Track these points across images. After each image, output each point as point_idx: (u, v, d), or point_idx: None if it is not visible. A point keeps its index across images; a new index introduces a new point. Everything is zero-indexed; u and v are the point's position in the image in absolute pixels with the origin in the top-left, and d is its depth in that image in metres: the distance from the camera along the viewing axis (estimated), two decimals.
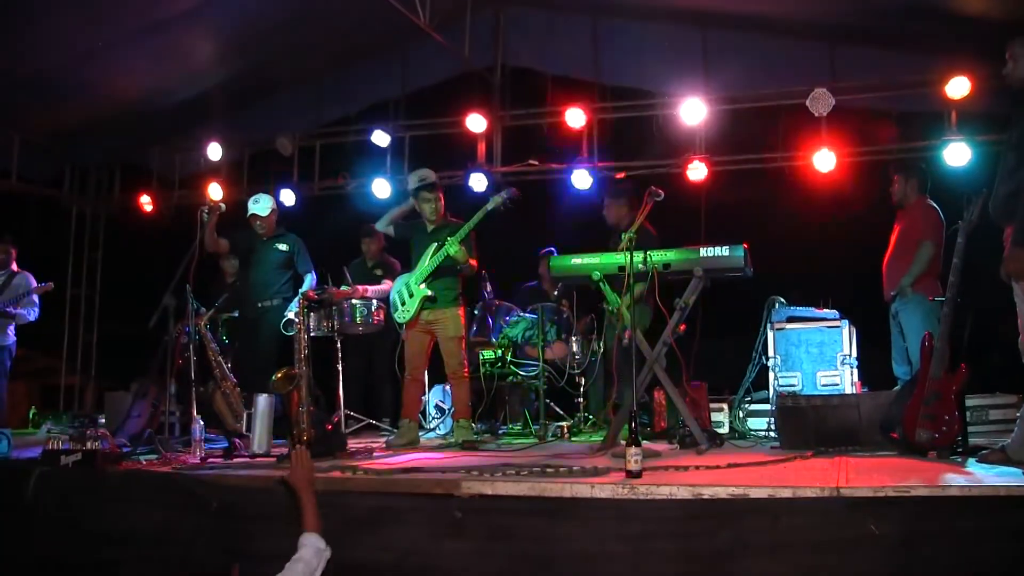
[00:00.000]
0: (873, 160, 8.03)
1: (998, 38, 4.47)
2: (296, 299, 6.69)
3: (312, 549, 3.37)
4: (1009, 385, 6.35)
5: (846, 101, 7.89)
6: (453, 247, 6.12)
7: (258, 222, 6.97)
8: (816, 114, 7.88)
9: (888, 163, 7.27)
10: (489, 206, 6.28)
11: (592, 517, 3.69)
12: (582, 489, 3.73)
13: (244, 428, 5.91)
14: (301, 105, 9.99)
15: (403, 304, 6.36)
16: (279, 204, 9.39)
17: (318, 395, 6.39)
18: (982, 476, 3.79)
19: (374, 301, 7.38)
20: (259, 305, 6.84)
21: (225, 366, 6.30)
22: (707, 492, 3.57)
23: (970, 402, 5.85)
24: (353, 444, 6.16)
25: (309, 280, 6.96)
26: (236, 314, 7.51)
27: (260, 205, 7.01)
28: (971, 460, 4.39)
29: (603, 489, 3.71)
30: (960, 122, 7.83)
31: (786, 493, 3.49)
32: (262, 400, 5.60)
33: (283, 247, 7.02)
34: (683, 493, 3.60)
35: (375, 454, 5.63)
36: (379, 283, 7.58)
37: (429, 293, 6.27)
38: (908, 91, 7.97)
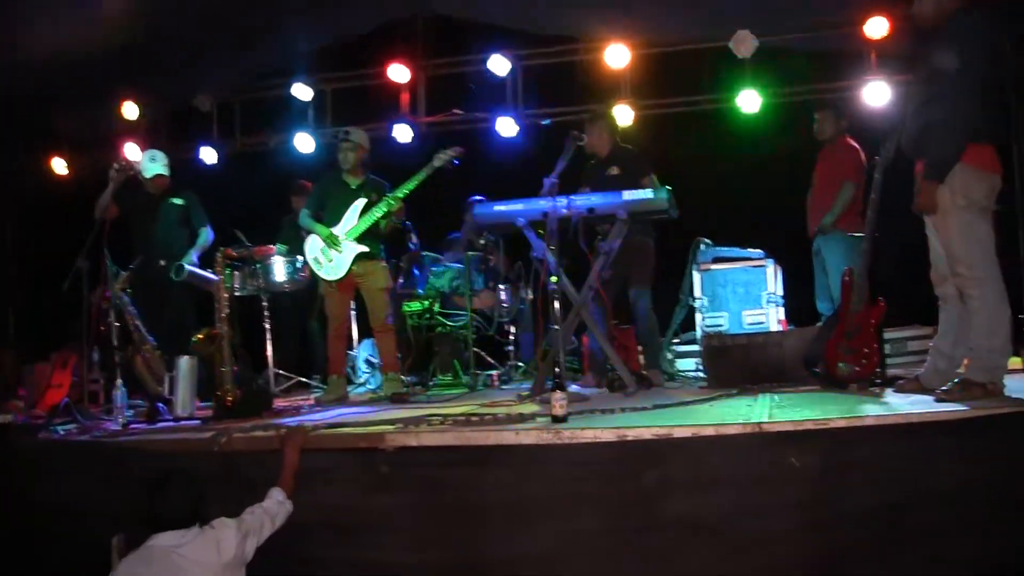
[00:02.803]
0: (796, 100, 8.06)
1: None
2: (193, 250, 6.58)
3: (275, 500, 3.54)
4: (925, 317, 6.49)
5: (769, 42, 7.89)
6: (395, 204, 6.05)
7: (158, 181, 6.69)
8: (740, 56, 7.89)
9: (811, 101, 7.32)
10: (436, 163, 6.18)
11: (518, 464, 3.68)
12: (507, 436, 3.71)
13: (167, 391, 5.78)
14: (219, 60, 9.62)
15: (330, 261, 6.21)
16: (200, 162, 9.22)
17: (243, 354, 6.26)
18: (897, 405, 3.87)
19: (299, 257, 7.25)
20: (161, 263, 6.52)
21: (143, 329, 6.13)
22: (631, 434, 3.57)
23: (889, 335, 5.96)
24: (281, 403, 6.08)
25: (205, 234, 6.74)
26: None
27: (159, 164, 6.74)
28: (889, 391, 4.47)
29: (528, 435, 3.70)
30: (879, 61, 7.91)
31: (709, 432, 3.51)
32: (184, 362, 5.46)
33: (179, 201, 6.75)
34: (607, 436, 3.60)
35: (302, 411, 5.55)
36: None
37: (365, 249, 6.16)
38: (829, 31, 8.00)
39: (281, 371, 7.36)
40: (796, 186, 6.73)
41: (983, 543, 3.28)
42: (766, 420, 3.54)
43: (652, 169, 5.99)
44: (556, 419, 3.91)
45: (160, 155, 6.80)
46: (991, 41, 3.96)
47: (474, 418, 4.09)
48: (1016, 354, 4.76)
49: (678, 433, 3.54)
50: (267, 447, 3.97)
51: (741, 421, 3.57)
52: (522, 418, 4.08)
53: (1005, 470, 3.33)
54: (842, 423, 3.45)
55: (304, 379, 7.57)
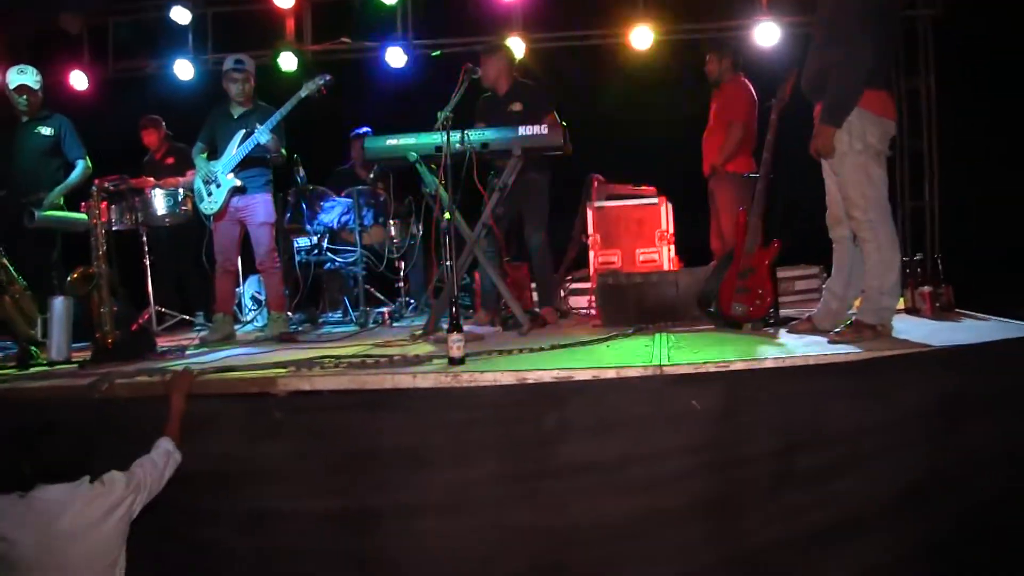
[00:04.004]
0: (689, 38, 8.07)
1: None
2: (59, 189, 6.18)
3: (163, 450, 3.34)
4: (812, 256, 6.66)
5: None
6: (264, 135, 5.74)
7: (24, 96, 6.21)
8: None
9: (704, 41, 7.33)
10: (303, 92, 5.86)
11: (416, 407, 3.58)
12: (404, 379, 3.60)
13: (40, 335, 5.43)
14: None
15: (209, 195, 5.94)
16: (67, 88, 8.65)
17: (122, 293, 5.93)
18: (793, 346, 3.91)
19: (180, 190, 6.92)
20: (23, 200, 6.08)
21: (11, 268, 5.72)
22: (531, 377, 3.51)
23: (778, 274, 6.06)
24: (164, 342, 5.81)
25: (81, 167, 6.33)
26: None
27: (29, 76, 6.25)
28: (782, 331, 4.54)
29: (426, 378, 3.60)
30: (770, 2, 7.97)
31: (610, 374, 3.48)
32: (58, 303, 5.12)
33: (47, 131, 6.29)
34: (507, 379, 3.53)
35: (187, 352, 5.31)
36: (174, 173, 7.14)
37: (237, 183, 5.88)
38: None
39: (163, 309, 7.06)
40: (692, 124, 6.75)
41: (872, 481, 3.37)
42: (667, 363, 3.52)
43: (554, 106, 5.86)
44: (453, 361, 3.82)
45: (31, 69, 6.31)
46: None
47: (369, 360, 3.96)
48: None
49: (579, 376, 3.50)
50: (151, 393, 3.75)
51: (642, 363, 3.54)
52: (418, 360, 3.96)
53: (893, 411, 3.41)
54: (741, 365, 3.46)
55: (187, 317, 7.26)
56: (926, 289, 4.95)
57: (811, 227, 5.16)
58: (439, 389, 3.57)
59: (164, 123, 7.75)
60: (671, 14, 8.06)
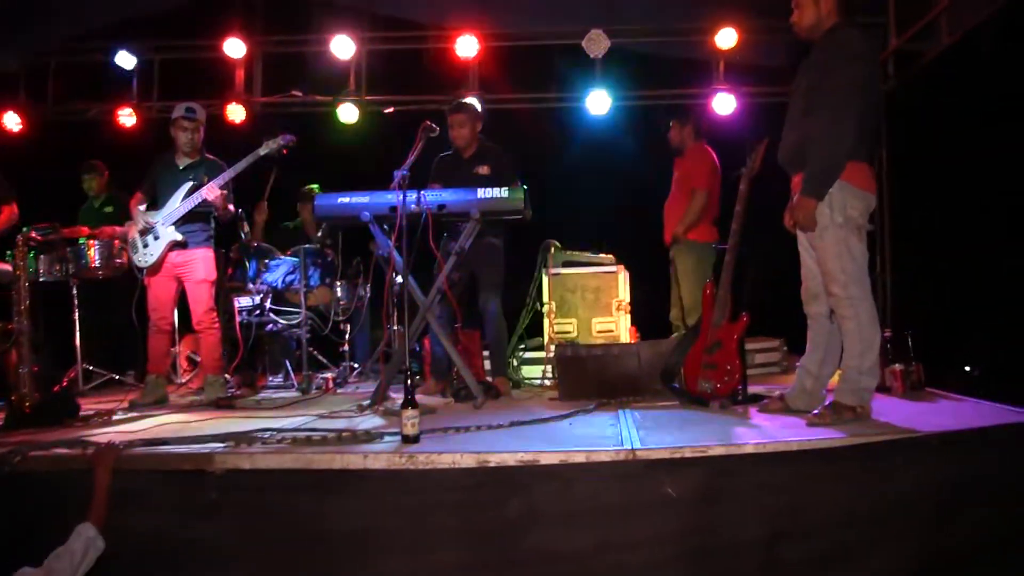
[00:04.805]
0: (647, 105, 7.99)
1: None
2: None
3: (82, 540, 2.99)
4: (772, 329, 6.52)
5: (622, 44, 7.77)
6: (214, 193, 5.47)
7: None
8: (592, 56, 7.72)
9: (664, 108, 7.25)
10: (261, 151, 5.64)
11: (368, 490, 3.27)
12: (354, 460, 3.29)
13: None
14: (32, 16, 8.68)
15: (145, 247, 5.62)
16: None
17: (44, 352, 5.52)
18: (772, 430, 3.69)
19: (116, 242, 6.56)
20: None
21: None
22: (494, 460, 3.23)
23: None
24: (91, 404, 5.40)
25: (6, 214, 6.01)
26: None
27: None
28: (752, 410, 4.32)
29: (378, 459, 3.29)
30: (727, 72, 7.94)
31: (579, 458, 3.21)
32: None
33: None
34: (467, 461, 3.24)
35: (115, 417, 4.91)
36: (112, 222, 6.78)
37: (179, 237, 5.58)
38: (681, 38, 7.96)
39: (91, 367, 6.63)
40: (652, 191, 6.61)
41: (860, 573, 3.14)
42: (639, 447, 3.27)
43: (519, 170, 5.66)
44: (407, 439, 3.53)
45: None
46: (871, 57, 3.84)
47: (315, 436, 3.63)
48: None
49: (545, 460, 3.23)
50: (71, 468, 3.39)
51: (613, 446, 3.29)
52: (369, 436, 3.64)
53: (882, 499, 3.20)
54: (721, 451, 3.23)
55: (117, 376, 6.83)
56: (898, 367, 4.80)
57: (775, 299, 5.01)
58: (393, 471, 3.27)
59: (107, 170, 7.41)
60: (629, 80, 7.98)
